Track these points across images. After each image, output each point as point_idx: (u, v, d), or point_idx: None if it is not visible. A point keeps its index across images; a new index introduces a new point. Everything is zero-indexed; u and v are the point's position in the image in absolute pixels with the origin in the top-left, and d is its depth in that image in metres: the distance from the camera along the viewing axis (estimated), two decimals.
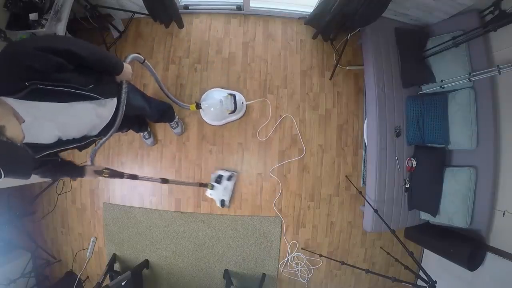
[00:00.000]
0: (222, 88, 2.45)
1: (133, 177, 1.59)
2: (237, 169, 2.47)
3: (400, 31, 2.29)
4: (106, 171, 1.44)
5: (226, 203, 2.37)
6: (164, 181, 1.81)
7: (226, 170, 2.41)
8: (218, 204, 2.37)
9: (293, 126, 2.48)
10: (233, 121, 2.44)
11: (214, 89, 2.44)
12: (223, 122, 2.42)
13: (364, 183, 2.41)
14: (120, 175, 1.51)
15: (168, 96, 1.90)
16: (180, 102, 2.08)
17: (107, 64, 1.12)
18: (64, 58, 0.90)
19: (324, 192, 2.50)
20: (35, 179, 2.37)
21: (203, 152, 2.46)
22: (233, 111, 2.23)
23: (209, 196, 2.37)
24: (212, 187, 2.32)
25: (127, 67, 1.24)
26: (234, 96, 2.21)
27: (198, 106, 2.18)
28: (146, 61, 1.48)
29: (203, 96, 2.41)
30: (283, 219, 2.48)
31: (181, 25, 2.44)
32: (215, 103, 2.23)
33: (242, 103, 2.37)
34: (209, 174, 2.45)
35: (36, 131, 0.92)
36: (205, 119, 2.43)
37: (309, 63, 2.54)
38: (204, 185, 2.30)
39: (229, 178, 2.35)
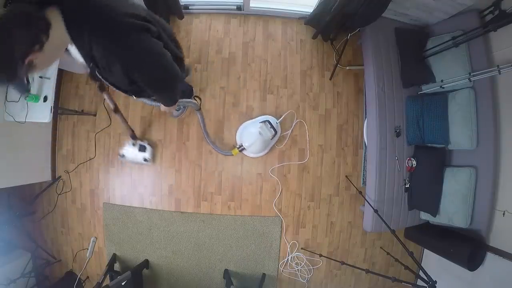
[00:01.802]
0: (250, 119, 2.43)
1: (116, 110, 1.93)
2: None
3: (400, 31, 2.29)
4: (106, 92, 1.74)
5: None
6: (116, 110, 1.97)
7: (149, 145, 2.38)
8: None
9: (292, 126, 2.48)
10: (275, 142, 2.43)
11: (244, 124, 2.40)
12: (268, 148, 2.41)
13: (364, 183, 2.41)
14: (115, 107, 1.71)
15: (209, 143, 2.06)
16: (222, 150, 2.17)
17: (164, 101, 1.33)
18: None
19: (324, 192, 2.50)
20: (35, 179, 2.38)
21: (203, 152, 2.46)
22: (275, 135, 2.27)
23: (123, 152, 2.35)
24: (134, 144, 2.34)
25: (173, 107, 1.40)
26: (269, 121, 2.24)
27: (240, 148, 2.24)
28: (201, 110, 1.64)
29: (237, 136, 2.40)
30: (283, 219, 2.48)
31: (181, 16, 2.41)
32: (255, 138, 2.22)
33: (276, 123, 2.37)
34: (210, 174, 2.46)
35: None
36: (251, 155, 2.42)
37: (309, 63, 2.54)
38: (133, 136, 2.31)
39: (143, 149, 2.35)
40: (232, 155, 2.25)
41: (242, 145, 2.26)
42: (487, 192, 2.00)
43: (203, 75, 2.48)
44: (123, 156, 2.34)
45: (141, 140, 2.39)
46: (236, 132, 2.43)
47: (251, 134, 2.25)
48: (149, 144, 2.39)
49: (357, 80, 2.55)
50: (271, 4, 2.46)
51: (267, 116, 2.39)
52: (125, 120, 2.16)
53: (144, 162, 2.37)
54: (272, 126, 2.24)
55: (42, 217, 2.54)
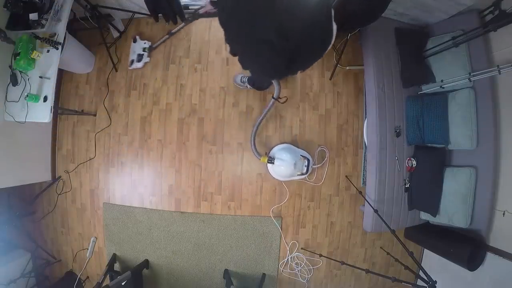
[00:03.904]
0: (293, 145, 2.44)
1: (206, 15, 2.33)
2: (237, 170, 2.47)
3: (400, 31, 2.29)
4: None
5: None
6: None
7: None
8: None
9: (293, 126, 2.48)
10: (297, 179, 2.45)
11: (288, 145, 2.42)
12: (288, 179, 2.43)
13: (364, 183, 2.41)
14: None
15: (253, 133, 2.23)
16: (255, 149, 2.27)
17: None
18: None
19: (324, 192, 2.50)
20: (35, 179, 2.38)
21: (203, 152, 2.46)
22: (303, 174, 2.27)
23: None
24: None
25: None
26: (309, 161, 2.26)
27: (270, 160, 2.25)
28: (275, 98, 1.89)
29: (275, 149, 2.40)
30: (283, 219, 2.48)
31: (183, 18, 2.42)
32: (288, 164, 2.23)
33: (312, 166, 2.39)
34: (210, 174, 2.45)
35: None
36: (270, 172, 2.44)
37: None
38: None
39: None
40: (260, 160, 2.26)
41: (273, 160, 2.26)
42: (487, 192, 2.00)
43: (203, 75, 2.48)
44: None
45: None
46: (275, 145, 2.44)
47: (283, 161, 2.24)
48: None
49: (357, 80, 2.55)
50: None
51: (309, 155, 2.39)
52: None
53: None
54: (307, 166, 2.25)
55: (42, 217, 2.54)
